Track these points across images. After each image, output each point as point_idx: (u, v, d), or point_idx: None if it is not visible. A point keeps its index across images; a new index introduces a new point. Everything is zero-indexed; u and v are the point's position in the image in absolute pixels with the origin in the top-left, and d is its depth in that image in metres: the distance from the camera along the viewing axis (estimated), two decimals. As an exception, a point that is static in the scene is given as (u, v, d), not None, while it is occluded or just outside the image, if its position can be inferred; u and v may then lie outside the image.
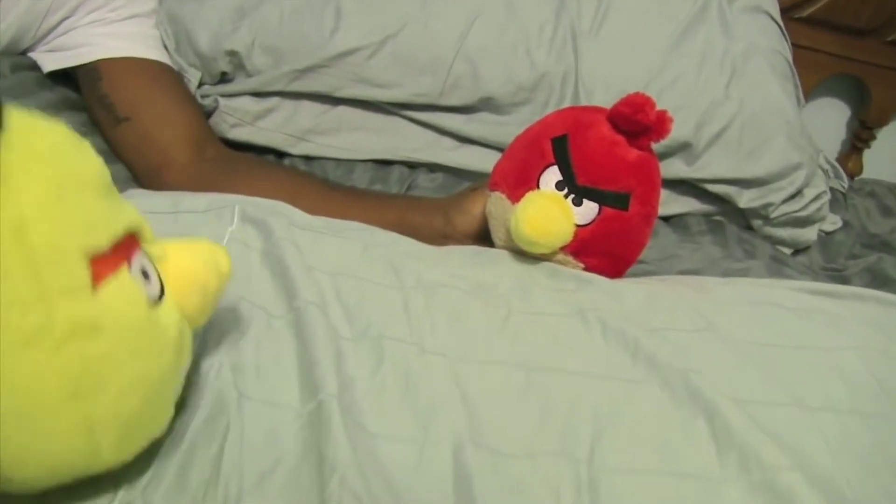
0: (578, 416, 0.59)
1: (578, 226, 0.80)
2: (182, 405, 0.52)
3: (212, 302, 0.52)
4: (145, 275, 0.45)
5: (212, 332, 0.58)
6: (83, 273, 0.39)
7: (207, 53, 1.16)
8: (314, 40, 1.17)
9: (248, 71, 1.20)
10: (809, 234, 1.44)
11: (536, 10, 1.27)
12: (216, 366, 0.56)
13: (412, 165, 1.32)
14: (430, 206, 1.02)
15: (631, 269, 0.88)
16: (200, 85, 1.20)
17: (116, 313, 0.41)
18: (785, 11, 1.57)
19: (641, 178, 0.81)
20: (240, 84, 1.21)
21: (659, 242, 1.26)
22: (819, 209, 1.41)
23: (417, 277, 0.70)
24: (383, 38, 1.18)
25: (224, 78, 1.22)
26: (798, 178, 1.35)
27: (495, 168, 0.88)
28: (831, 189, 1.52)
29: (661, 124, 0.77)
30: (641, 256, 0.88)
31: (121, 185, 0.97)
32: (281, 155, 1.28)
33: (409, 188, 1.26)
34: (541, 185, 0.81)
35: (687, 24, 1.34)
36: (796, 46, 1.56)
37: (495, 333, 0.66)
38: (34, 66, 1.12)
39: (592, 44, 1.27)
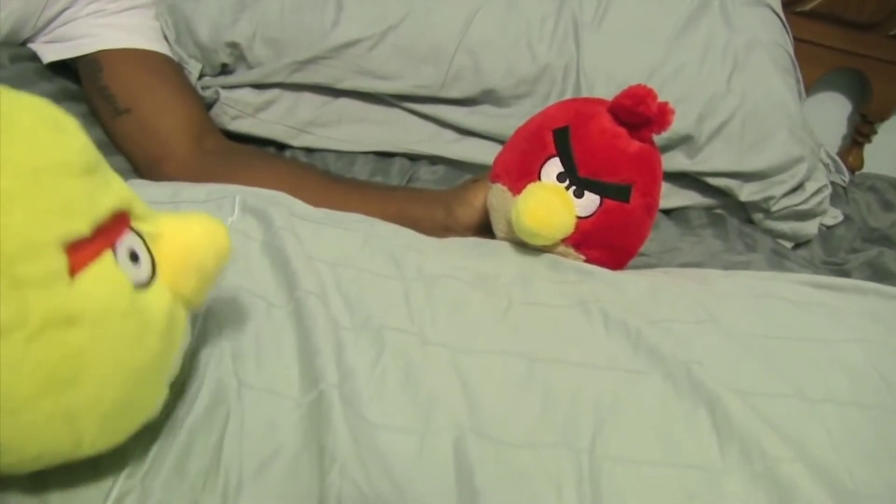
0: (580, 407, 0.59)
1: (580, 218, 0.80)
2: (182, 393, 0.52)
3: (210, 281, 0.50)
4: (134, 257, 0.44)
5: (212, 321, 0.58)
6: (59, 263, 0.38)
7: (208, 45, 1.16)
8: (315, 32, 1.17)
9: (248, 62, 1.19)
10: (810, 227, 1.44)
11: (538, 2, 1.27)
12: (216, 355, 0.55)
13: (413, 158, 1.31)
14: (432, 198, 1.02)
15: (632, 262, 0.88)
16: (201, 76, 1.20)
17: (96, 302, 0.40)
18: (787, 5, 1.57)
19: (643, 171, 0.81)
20: (240, 76, 1.20)
21: (660, 235, 1.26)
22: (820, 203, 1.41)
23: (418, 268, 0.70)
24: (385, 29, 1.18)
25: (225, 69, 1.21)
26: (799, 172, 1.35)
27: (496, 160, 0.88)
28: (832, 183, 1.52)
29: (662, 116, 0.77)
30: (643, 249, 0.88)
31: (121, 176, 0.97)
32: (282, 147, 1.28)
33: (410, 180, 1.25)
34: (542, 177, 0.81)
35: (688, 16, 1.34)
36: (798, 40, 1.55)
37: (496, 324, 0.66)
38: (34, 57, 1.11)
39: (594, 36, 1.27)
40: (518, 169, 0.84)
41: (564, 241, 0.81)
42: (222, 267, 0.51)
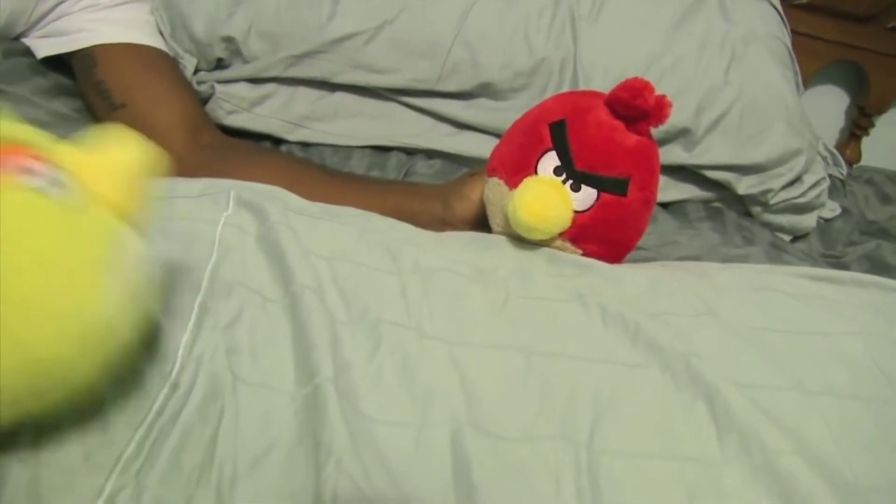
0: (578, 401, 0.59)
1: (577, 212, 0.79)
2: (176, 388, 0.51)
3: (147, 190, 0.49)
4: (43, 178, 0.43)
5: (206, 315, 0.57)
6: None
7: (203, 39, 1.16)
8: (311, 26, 1.16)
9: (244, 57, 1.19)
10: (808, 220, 1.44)
11: (535, -5, 1.27)
12: (211, 349, 0.55)
13: (410, 152, 1.31)
14: (429, 192, 1.01)
15: (630, 256, 0.88)
16: (196, 71, 1.20)
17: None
18: (785, -2, 1.57)
19: (640, 164, 0.80)
20: (236, 70, 1.20)
21: (658, 229, 1.26)
22: (818, 196, 1.41)
23: (415, 262, 0.70)
24: (380, 23, 1.17)
25: (220, 64, 1.21)
26: (797, 165, 1.35)
27: (493, 153, 0.88)
28: (830, 176, 1.52)
29: (659, 109, 0.77)
30: (640, 243, 0.88)
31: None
32: (278, 141, 1.28)
33: (406, 174, 1.25)
34: (539, 171, 0.81)
35: (686, 9, 1.34)
36: (795, 33, 1.55)
37: (494, 318, 0.66)
38: (27, 52, 1.11)
39: (591, 29, 1.27)
40: (514, 163, 0.83)
41: (561, 235, 0.80)
42: (149, 172, 0.50)
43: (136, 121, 1.07)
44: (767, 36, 1.39)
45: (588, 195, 0.79)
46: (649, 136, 0.81)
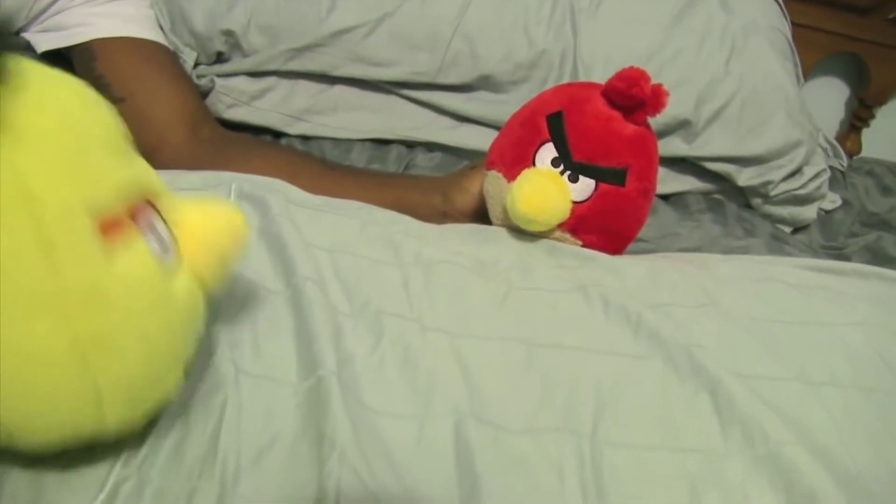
0: (580, 392, 0.59)
1: (575, 202, 0.79)
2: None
3: (228, 266, 0.51)
4: (160, 241, 0.44)
5: (209, 307, 0.57)
6: (92, 237, 0.38)
7: (203, 33, 1.16)
8: (310, 19, 1.16)
9: (244, 50, 1.19)
10: (809, 212, 1.44)
11: (534, -13, 1.27)
12: (213, 341, 0.55)
13: (410, 145, 1.31)
14: (429, 184, 1.01)
15: (630, 247, 0.88)
16: (196, 65, 1.19)
17: (127, 278, 0.40)
18: (785, -10, 1.57)
19: (638, 154, 0.80)
20: (236, 64, 1.20)
21: (658, 220, 1.25)
22: (818, 187, 1.41)
23: (416, 254, 0.70)
24: (380, 15, 1.17)
25: (220, 58, 1.21)
26: (798, 156, 1.34)
27: (492, 147, 0.88)
28: (830, 168, 1.52)
29: (656, 98, 0.76)
30: (641, 234, 0.88)
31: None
32: (278, 135, 1.28)
33: (407, 167, 1.25)
34: (536, 163, 0.81)
35: (686, 0, 1.34)
36: (795, 25, 1.55)
37: (495, 309, 0.66)
38: (28, 47, 1.11)
39: (591, 21, 1.27)
40: (512, 155, 0.83)
41: (561, 226, 0.80)
42: (240, 252, 0.52)
43: (135, 114, 1.07)
44: (768, 27, 1.39)
45: (586, 186, 0.79)
46: (647, 126, 0.81)
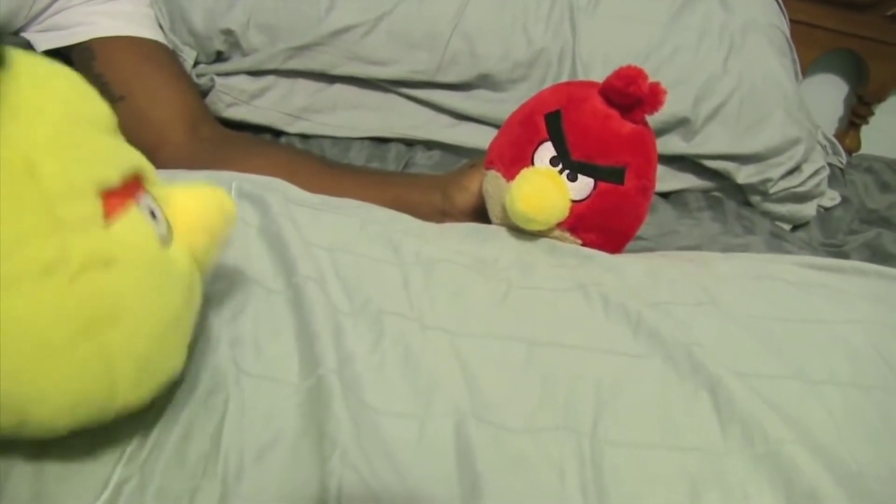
0: (580, 391, 0.59)
1: (574, 201, 0.79)
2: (180, 380, 0.51)
3: (218, 244, 0.52)
4: (153, 215, 0.45)
5: (209, 307, 0.57)
6: (95, 206, 0.40)
7: (202, 32, 1.16)
8: (309, 18, 1.16)
9: (243, 49, 1.19)
10: (808, 209, 1.44)
11: (533, -16, 1.27)
12: (214, 341, 0.55)
13: (409, 143, 1.31)
14: (428, 183, 1.01)
15: (630, 245, 0.88)
16: (196, 64, 1.19)
17: (129, 247, 0.41)
18: (783, -14, 1.56)
19: (636, 152, 0.80)
20: (235, 63, 1.20)
21: (658, 218, 1.26)
22: (818, 185, 1.41)
23: (416, 253, 0.70)
24: (379, 14, 1.17)
25: (219, 57, 1.21)
26: (797, 154, 1.35)
27: (491, 146, 0.88)
28: (829, 165, 1.52)
29: (654, 96, 0.76)
30: (640, 232, 0.88)
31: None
32: (277, 134, 1.28)
33: (406, 166, 1.25)
34: (535, 162, 0.81)
35: (684, -2, 1.34)
36: (794, 22, 1.55)
37: (495, 308, 0.66)
38: (27, 46, 1.11)
39: (590, 19, 1.27)
40: (511, 154, 0.83)
41: (560, 225, 0.80)
42: (230, 230, 0.53)
43: (135, 113, 1.07)
44: (766, 25, 1.39)
45: (585, 184, 0.79)
46: (645, 124, 0.81)
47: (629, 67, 0.76)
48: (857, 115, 1.91)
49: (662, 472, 0.55)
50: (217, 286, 0.59)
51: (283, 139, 1.27)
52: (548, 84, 1.22)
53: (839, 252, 1.38)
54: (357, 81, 1.24)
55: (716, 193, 1.42)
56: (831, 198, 1.51)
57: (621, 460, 0.55)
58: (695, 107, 1.27)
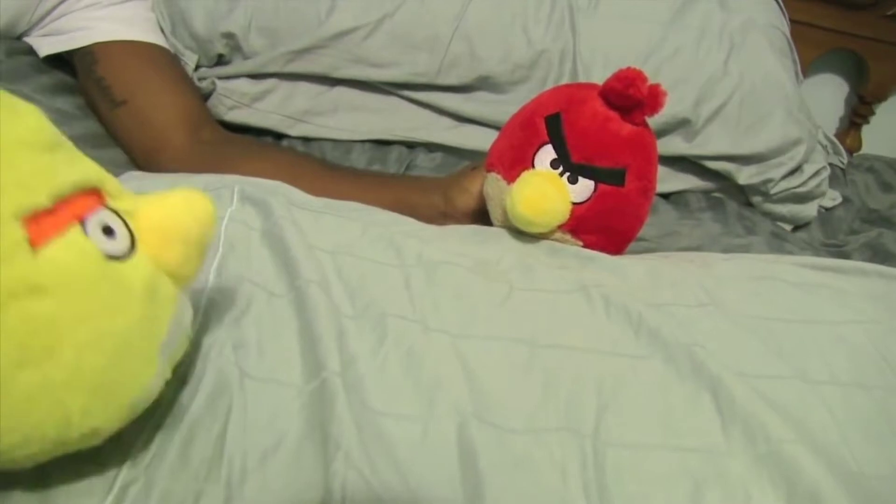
0: (582, 392, 0.59)
1: (575, 204, 0.80)
2: (183, 384, 0.52)
3: (196, 250, 0.50)
4: (108, 231, 0.44)
5: (212, 310, 0.58)
6: (17, 234, 0.38)
7: (203, 36, 1.16)
8: (310, 20, 1.16)
9: (244, 53, 1.19)
10: (809, 210, 1.44)
11: (533, -14, 1.27)
12: (217, 345, 0.56)
13: (411, 145, 1.31)
14: (429, 185, 1.02)
15: (631, 246, 0.88)
16: (197, 68, 1.20)
17: (61, 271, 0.40)
18: (783, -14, 1.56)
19: (636, 153, 0.80)
20: (236, 66, 1.20)
21: (659, 219, 1.26)
22: (819, 185, 1.41)
23: (418, 256, 0.70)
24: (380, 17, 1.17)
25: (221, 60, 1.21)
26: (797, 154, 1.34)
27: (491, 149, 0.88)
28: (830, 165, 1.52)
29: (653, 98, 0.77)
30: (642, 233, 0.88)
31: (118, 168, 0.97)
32: (279, 137, 1.28)
33: (407, 168, 1.25)
34: (536, 165, 0.81)
35: (684, -2, 1.34)
36: (794, 22, 1.55)
37: (497, 310, 0.66)
38: (30, 51, 1.11)
39: (590, 19, 1.27)
40: (512, 157, 0.83)
41: (561, 227, 0.81)
42: (208, 235, 0.51)
43: (136, 118, 1.07)
44: (766, 25, 1.39)
45: (585, 187, 0.79)
46: (646, 126, 0.82)
47: (628, 69, 0.76)
48: (857, 114, 1.91)
49: (664, 473, 0.55)
50: (220, 290, 0.60)
51: (284, 142, 1.27)
52: (549, 85, 1.23)
53: (840, 252, 1.38)
54: (358, 84, 1.24)
55: (717, 194, 1.42)
56: (832, 198, 1.51)
57: (623, 461, 0.55)
58: (696, 107, 1.27)
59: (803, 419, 0.60)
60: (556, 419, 0.57)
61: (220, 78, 1.20)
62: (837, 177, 1.58)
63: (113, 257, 0.43)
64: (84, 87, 1.11)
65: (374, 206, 0.84)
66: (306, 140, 1.28)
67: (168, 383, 0.49)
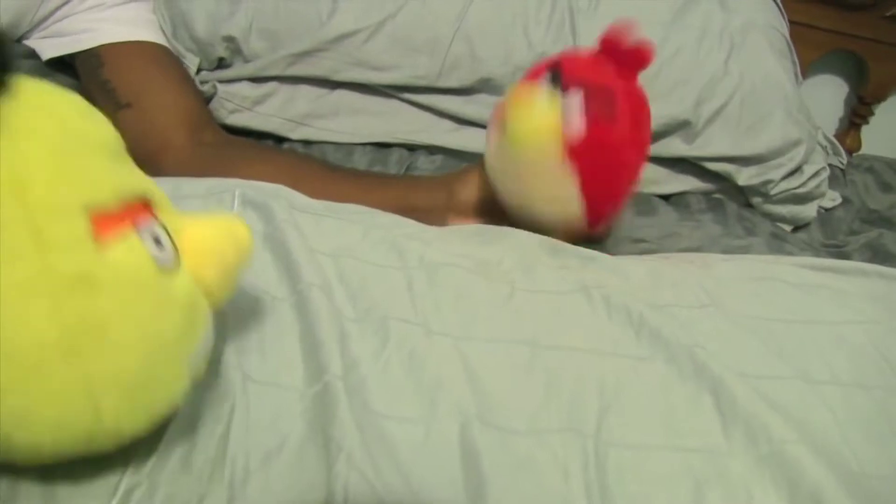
0: (584, 393, 0.60)
1: (570, 136, 0.80)
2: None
3: (232, 275, 0.51)
4: (158, 242, 0.45)
5: (215, 314, 0.58)
6: (83, 227, 0.39)
7: (204, 39, 1.16)
8: (311, 23, 1.16)
9: (245, 56, 1.19)
10: (809, 210, 1.44)
11: (533, -11, 1.27)
12: (220, 348, 0.56)
13: (411, 148, 1.31)
14: (432, 182, 1.02)
15: (631, 247, 0.88)
16: (198, 71, 1.20)
17: (118, 270, 0.41)
18: (783, -13, 1.57)
19: (627, 97, 0.83)
20: (237, 69, 1.20)
21: (659, 221, 1.26)
22: (818, 186, 1.41)
23: (420, 258, 0.71)
24: (381, 19, 1.17)
25: (222, 63, 1.21)
26: (797, 155, 1.34)
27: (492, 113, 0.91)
28: (830, 166, 1.52)
29: (641, 50, 0.82)
30: (642, 234, 0.89)
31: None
32: (280, 140, 1.28)
33: (408, 170, 1.25)
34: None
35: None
36: (793, 23, 1.55)
37: (499, 312, 0.66)
38: (30, 55, 1.11)
39: (590, 21, 1.26)
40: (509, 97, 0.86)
41: (557, 153, 0.81)
42: (244, 262, 0.52)
43: (140, 120, 1.07)
44: (765, 26, 1.39)
45: (577, 102, 0.80)
46: (639, 88, 0.85)
47: (616, 24, 0.81)
48: (857, 115, 1.91)
49: (666, 473, 0.56)
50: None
51: (285, 145, 1.27)
52: (549, 87, 1.23)
53: (840, 253, 1.38)
54: (359, 87, 1.24)
55: (717, 195, 1.42)
56: (832, 198, 1.51)
57: (625, 461, 0.56)
58: (696, 109, 1.27)
59: (804, 419, 0.60)
60: (558, 420, 0.57)
61: (221, 81, 1.20)
62: (837, 177, 1.58)
63: (162, 267, 0.44)
64: (87, 90, 1.11)
65: (377, 207, 0.84)
66: (307, 143, 1.27)
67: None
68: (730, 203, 1.39)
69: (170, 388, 0.46)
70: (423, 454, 0.53)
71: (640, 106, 0.84)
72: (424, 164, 1.26)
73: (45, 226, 0.37)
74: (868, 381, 0.66)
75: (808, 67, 1.75)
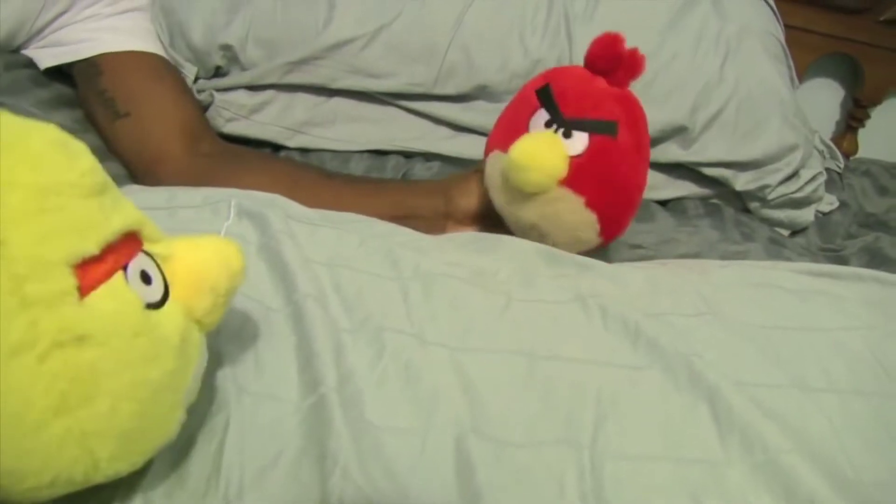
0: (580, 404, 0.60)
1: (572, 157, 0.81)
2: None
3: (224, 301, 0.50)
4: (146, 277, 0.44)
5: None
6: (68, 282, 0.38)
7: (201, 48, 1.16)
8: (308, 32, 1.16)
9: (242, 64, 1.19)
10: (806, 215, 1.44)
11: (529, -5, 1.27)
12: (214, 361, 0.56)
13: (408, 155, 1.31)
14: (431, 187, 1.02)
15: (629, 254, 0.88)
16: (196, 80, 1.20)
17: (106, 321, 0.40)
18: (777, -9, 1.57)
19: (626, 109, 0.84)
20: (234, 78, 1.20)
21: (657, 227, 1.26)
22: (815, 190, 1.41)
23: (415, 267, 0.70)
24: (377, 27, 1.17)
25: (219, 72, 1.21)
26: (794, 160, 1.35)
27: (488, 140, 0.91)
28: (827, 169, 1.52)
29: (633, 59, 0.82)
30: (639, 241, 0.89)
31: (117, 182, 0.97)
32: (277, 148, 1.28)
33: (404, 177, 1.25)
34: (531, 130, 0.84)
35: (680, 5, 1.34)
36: (788, 27, 1.55)
37: (495, 322, 0.66)
38: (28, 64, 1.11)
39: (586, 27, 1.27)
40: (507, 131, 0.86)
41: (560, 183, 0.81)
42: (236, 287, 0.51)
43: (138, 129, 1.07)
44: (761, 31, 1.39)
45: (580, 139, 0.81)
46: (631, 92, 0.85)
47: (606, 33, 0.81)
48: (853, 118, 1.91)
49: (663, 483, 0.56)
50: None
51: (282, 153, 1.27)
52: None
53: (838, 257, 1.38)
54: (356, 95, 1.24)
55: (714, 200, 1.42)
56: (829, 202, 1.51)
57: (622, 472, 0.56)
58: (692, 114, 1.27)
59: (801, 428, 0.60)
60: (554, 431, 0.57)
61: (218, 90, 1.20)
62: (834, 181, 1.59)
63: (150, 305, 0.44)
64: (85, 100, 1.11)
65: (374, 213, 0.84)
66: (304, 151, 1.28)
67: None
68: (727, 208, 1.39)
69: (166, 426, 0.46)
70: (418, 466, 0.53)
71: (636, 111, 0.85)
72: (421, 171, 1.26)
73: (28, 284, 0.36)
74: (865, 387, 0.66)
75: (804, 71, 1.76)
